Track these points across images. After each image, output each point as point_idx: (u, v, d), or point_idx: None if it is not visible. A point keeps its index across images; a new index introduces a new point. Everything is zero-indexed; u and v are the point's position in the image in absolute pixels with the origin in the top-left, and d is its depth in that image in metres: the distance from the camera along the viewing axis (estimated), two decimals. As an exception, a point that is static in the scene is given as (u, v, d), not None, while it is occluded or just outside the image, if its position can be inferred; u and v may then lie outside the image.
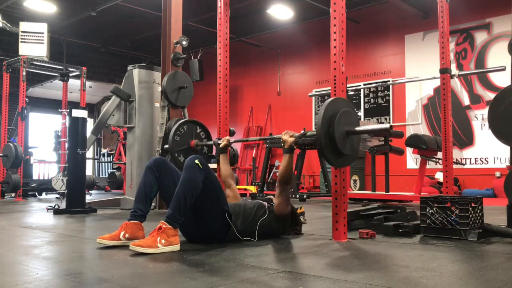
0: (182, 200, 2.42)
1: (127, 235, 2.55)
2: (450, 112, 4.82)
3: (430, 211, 2.93)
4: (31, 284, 1.70)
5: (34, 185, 8.53)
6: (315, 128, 2.50)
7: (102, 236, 2.58)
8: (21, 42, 7.92)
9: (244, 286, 1.68)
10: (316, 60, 10.84)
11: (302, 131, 2.92)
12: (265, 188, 7.49)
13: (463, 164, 8.38)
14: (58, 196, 7.69)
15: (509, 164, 3.62)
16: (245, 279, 1.78)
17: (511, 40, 3.96)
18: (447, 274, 1.88)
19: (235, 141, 3.54)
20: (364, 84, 9.67)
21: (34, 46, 7.96)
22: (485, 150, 8.28)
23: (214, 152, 4.11)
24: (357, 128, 2.59)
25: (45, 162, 11.06)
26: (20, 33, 7.94)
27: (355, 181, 8.97)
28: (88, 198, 6.22)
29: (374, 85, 9.69)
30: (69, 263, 2.19)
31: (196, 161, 2.48)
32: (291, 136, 2.82)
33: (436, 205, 2.91)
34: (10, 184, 7.42)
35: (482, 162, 8.35)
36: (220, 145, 3.46)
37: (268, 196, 3.21)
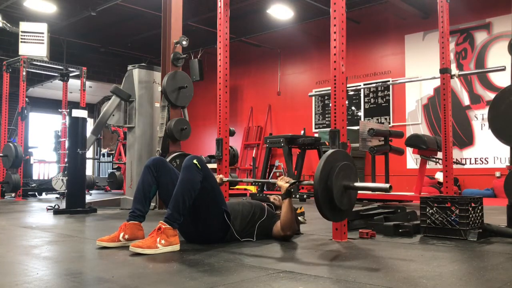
0: (180, 200, 2.42)
1: (126, 236, 2.55)
2: (450, 112, 4.81)
3: (430, 211, 2.93)
4: (31, 284, 1.70)
5: (34, 185, 8.53)
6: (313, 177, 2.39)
7: (102, 238, 2.57)
8: (21, 42, 7.92)
9: (244, 286, 1.68)
10: (316, 60, 10.84)
11: (295, 181, 2.81)
12: (265, 188, 7.49)
13: (463, 164, 8.38)
14: (58, 196, 7.69)
15: (509, 164, 3.62)
16: (245, 279, 1.78)
17: (511, 40, 3.96)
18: (447, 274, 1.88)
19: (227, 180, 3.39)
20: (364, 84, 9.67)
21: (34, 46, 7.96)
22: (485, 150, 8.28)
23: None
24: (356, 184, 2.49)
25: (45, 162, 11.06)
26: (20, 33, 7.94)
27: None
28: (88, 198, 6.22)
29: (374, 85, 9.69)
30: (69, 263, 2.19)
31: (195, 161, 2.48)
32: (286, 182, 2.74)
33: (436, 205, 2.91)
34: (10, 184, 7.41)
35: (482, 162, 8.35)
36: None
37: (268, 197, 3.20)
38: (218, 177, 3.23)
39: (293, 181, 2.76)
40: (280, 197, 2.85)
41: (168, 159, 4.02)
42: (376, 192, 6.33)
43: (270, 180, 3.27)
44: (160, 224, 2.42)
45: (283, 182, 2.75)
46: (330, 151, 2.51)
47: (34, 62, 8.07)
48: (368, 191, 5.72)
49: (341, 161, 2.46)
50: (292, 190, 2.76)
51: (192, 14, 9.64)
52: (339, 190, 2.40)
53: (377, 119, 9.75)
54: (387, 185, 2.39)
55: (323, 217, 2.42)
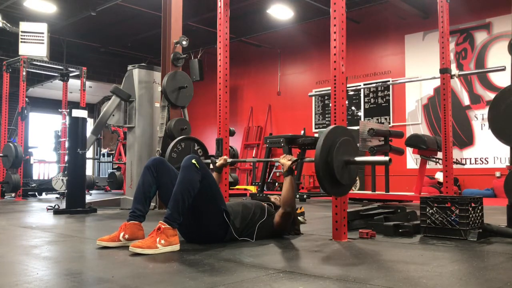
0: (180, 200, 2.42)
1: (126, 236, 2.55)
2: (450, 112, 4.82)
3: (430, 211, 2.93)
4: (31, 284, 1.70)
5: (34, 185, 8.52)
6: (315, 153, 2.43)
7: (102, 238, 2.58)
8: (21, 42, 7.92)
9: (244, 286, 1.68)
10: (316, 60, 10.84)
11: (297, 159, 2.89)
12: (265, 188, 7.49)
13: (463, 164, 8.38)
14: (58, 196, 7.69)
15: (509, 164, 3.62)
16: (245, 279, 1.78)
17: (511, 40, 3.96)
18: (447, 274, 1.88)
19: (232, 161, 3.41)
20: (364, 84, 9.67)
21: (34, 46, 7.96)
22: (485, 150, 8.28)
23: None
24: (357, 159, 2.54)
25: (45, 162, 11.06)
26: (20, 33, 7.94)
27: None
28: (88, 198, 6.22)
29: (374, 85, 9.68)
30: (69, 263, 2.19)
31: (193, 161, 2.48)
32: (288, 160, 2.82)
33: (436, 205, 2.91)
34: (10, 184, 7.41)
35: (482, 162, 8.35)
36: (217, 164, 3.28)
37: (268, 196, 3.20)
38: (222, 158, 3.29)
39: (295, 158, 2.83)
40: (280, 197, 2.86)
41: (173, 143, 4.02)
42: (376, 192, 6.34)
43: (273, 159, 3.33)
44: (160, 224, 2.42)
45: (285, 160, 2.84)
46: (331, 127, 2.57)
47: (34, 62, 8.07)
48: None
49: (342, 137, 2.53)
50: (293, 169, 2.83)
51: (192, 14, 9.64)
52: (339, 164, 2.47)
53: (377, 119, 9.75)
54: (386, 158, 2.48)
55: (324, 192, 2.50)
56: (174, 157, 4.09)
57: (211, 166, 3.44)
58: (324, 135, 2.47)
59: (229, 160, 3.32)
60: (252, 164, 10.93)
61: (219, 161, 3.28)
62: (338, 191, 2.60)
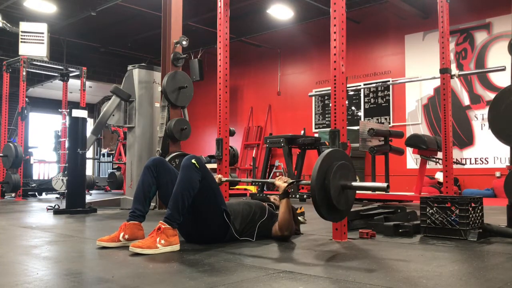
0: (180, 200, 2.42)
1: (126, 236, 2.55)
2: (450, 112, 4.81)
3: (430, 211, 2.93)
4: (31, 284, 1.70)
5: (34, 185, 8.52)
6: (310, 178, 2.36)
7: (102, 238, 2.58)
8: (21, 42, 7.92)
9: (244, 286, 1.68)
10: (316, 60, 10.84)
11: (293, 181, 2.80)
12: (265, 188, 7.49)
13: (463, 164, 8.38)
14: (58, 196, 7.69)
15: (509, 164, 3.62)
16: (245, 279, 1.78)
17: (511, 40, 3.96)
18: (447, 274, 1.88)
19: (226, 180, 3.38)
20: (364, 84, 9.67)
21: (34, 46, 7.96)
22: (485, 150, 8.28)
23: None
24: (354, 184, 2.46)
25: (45, 162, 11.06)
26: (20, 33, 7.93)
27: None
28: (88, 198, 6.22)
29: (374, 85, 9.68)
30: (69, 263, 2.19)
31: (193, 161, 2.48)
32: (284, 182, 2.74)
33: (436, 205, 2.91)
34: (10, 184, 7.41)
35: (482, 162, 8.35)
36: None
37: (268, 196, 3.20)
38: (217, 177, 3.22)
39: (291, 181, 2.75)
40: (280, 182, 2.83)
41: (167, 159, 4.02)
42: (376, 192, 6.34)
43: (268, 180, 3.26)
44: (160, 224, 2.42)
45: (281, 182, 2.75)
46: (328, 150, 2.49)
47: (34, 62, 8.06)
48: (367, 191, 5.72)
49: (339, 161, 2.45)
50: (290, 190, 2.76)
51: (192, 14, 9.64)
52: (336, 189, 2.39)
53: (377, 119, 9.75)
54: (384, 185, 2.37)
55: (320, 216, 2.42)
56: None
57: None
58: (321, 158, 2.40)
59: (224, 179, 3.29)
60: (252, 164, 10.92)
61: None
62: (335, 216, 2.54)
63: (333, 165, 2.41)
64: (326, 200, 2.38)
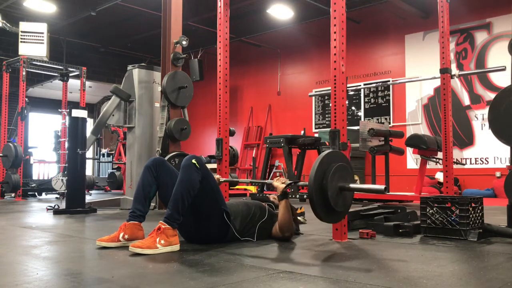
0: (180, 200, 2.42)
1: (126, 236, 2.55)
2: (450, 112, 4.81)
3: (430, 211, 2.93)
4: (31, 284, 1.70)
5: (34, 185, 8.52)
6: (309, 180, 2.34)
7: (102, 238, 2.57)
8: (21, 42, 7.91)
9: (244, 286, 1.68)
10: (316, 60, 10.84)
11: (291, 182, 2.78)
12: (265, 188, 7.49)
13: (463, 164, 8.38)
14: (58, 196, 7.69)
15: (509, 164, 3.62)
16: (245, 279, 1.78)
17: (511, 40, 3.96)
18: (447, 274, 1.88)
19: (225, 181, 3.38)
20: (364, 84, 9.67)
21: (34, 46, 7.95)
22: (485, 150, 8.28)
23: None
24: (351, 185, 2.45)
25: (45, 162, 11.05)
26: (20, 33, 7.93)
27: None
28: (88, 198, 6.22)
29: (374, 85, 9.68)
30: (69, 263, 2.19)
31: (193, 161, 2.47)
32: (282, 183, 2.73)
33: (436, 205, 2.91)
34: (10, 184, 7.41)
35: (482, 162, 8.35)
36: None
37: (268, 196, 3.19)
38: (216, 177, 3.23)
39: (289, 182, 2.74)
40: (278, 183, 2.82)
41: (166, 158, 4.02)
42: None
43: (266, 181, 3.27)
44: (159, 224, 2.41)
45: (279, 183, 2.74)
46: (326, 151, 2.48)
47: (34, 62, 8.06)
48: (365, 192, 5.71)
49: (337, 162, 2.44)
50: (290, 190, 2.75)
51: (192, 14, 9.64)
52: (334, 191, 2.38)
53: (377, 119, 9.75)
54: (382, 187, 2.36)
55: (318, 218, 2.41)
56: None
57: None
58: (319, 160, 2.38)
59: (222, 179, 3.29)
60: (252, 164, 10.92)
61: None
62: (332, 218, 2.53)
63: (331, 166, 2.40)
64: (323, 201, 2.37)
